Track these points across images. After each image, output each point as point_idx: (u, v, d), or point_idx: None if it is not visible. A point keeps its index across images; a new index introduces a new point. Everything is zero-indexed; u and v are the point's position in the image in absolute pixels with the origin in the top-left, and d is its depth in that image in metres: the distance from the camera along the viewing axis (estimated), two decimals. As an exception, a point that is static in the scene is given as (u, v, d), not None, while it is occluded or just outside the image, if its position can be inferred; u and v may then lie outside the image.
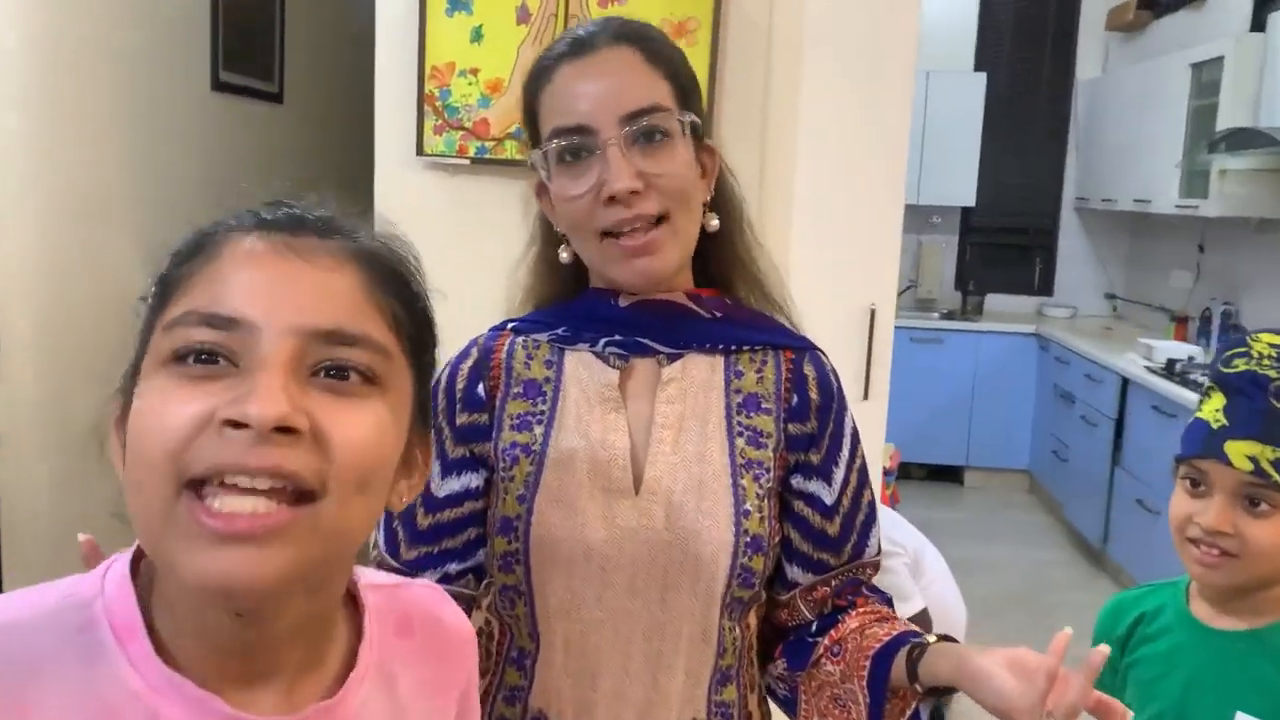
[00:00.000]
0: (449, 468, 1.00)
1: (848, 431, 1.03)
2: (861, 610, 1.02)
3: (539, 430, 0.98)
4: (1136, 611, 1.21)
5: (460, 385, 1.00)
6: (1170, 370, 3.86)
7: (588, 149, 0.92)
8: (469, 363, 1.01)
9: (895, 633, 0.97)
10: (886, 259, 2.53)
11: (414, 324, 0.66)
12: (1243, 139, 3.68)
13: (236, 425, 0.55)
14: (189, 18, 3.29)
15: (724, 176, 1.02)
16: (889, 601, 1.06)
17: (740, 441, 0.98)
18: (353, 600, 0.69)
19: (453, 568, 1.00)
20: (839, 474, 1.01)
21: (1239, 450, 1.07)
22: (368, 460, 0.59)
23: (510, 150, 2.23)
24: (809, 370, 1.02)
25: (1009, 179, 5.73)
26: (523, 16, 2.16)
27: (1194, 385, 3.60)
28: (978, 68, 5.58)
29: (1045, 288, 5.83)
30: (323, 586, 0.62)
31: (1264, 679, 1.08)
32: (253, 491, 0.55)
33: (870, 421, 2.46)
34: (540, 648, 0.97)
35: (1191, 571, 1.14)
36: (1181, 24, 4.78)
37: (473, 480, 1.00)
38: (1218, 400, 1.11)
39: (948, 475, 5.46)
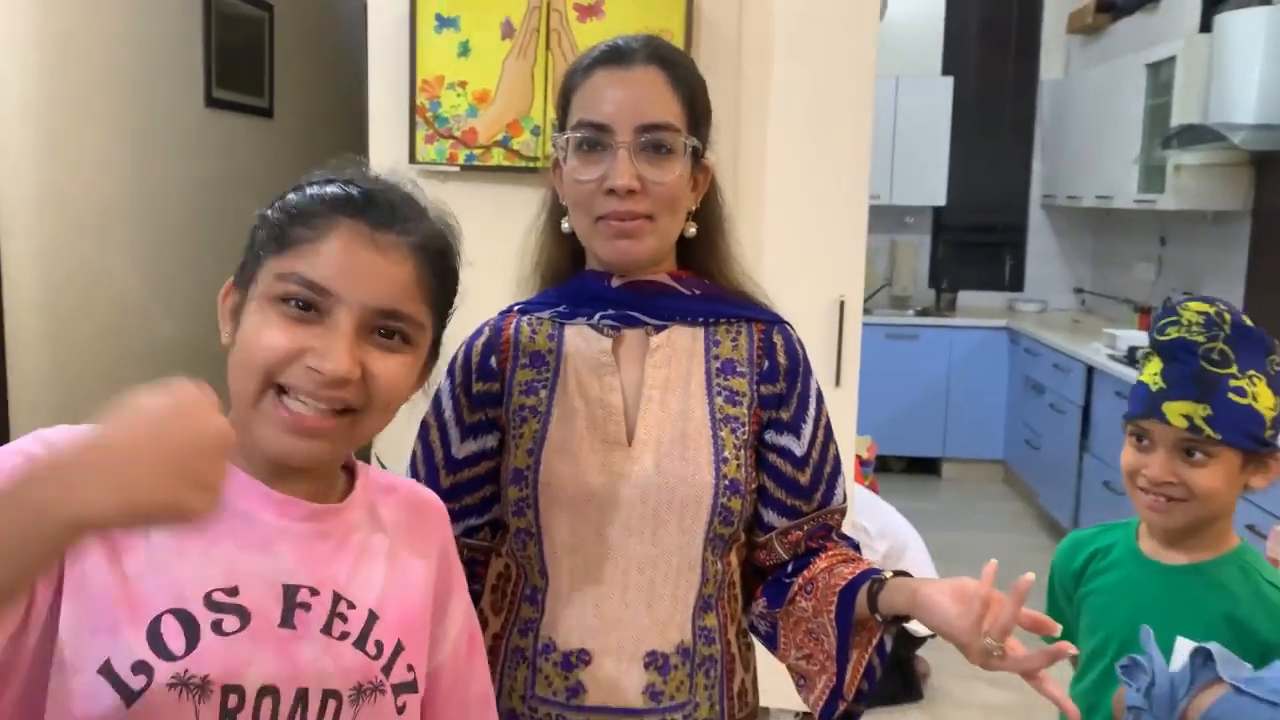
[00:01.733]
0: (467, 431, 1.14)
1: (813, 393, 1.17)
2: (830, 552, 1.16)
3: (544, 394, 1.12)
4: (1091, 548, 1.35)
5: (475, 360, 1.14)
6: (1132, 357, 4.02)
7: (603, 144, 1.06)
8: (482, 340, 1.16)
9: (859, 571, 1.10)
10: (853, 253, 2.68)
11: (445, 293, 0.91)
12: (1193, 135, 3.85)
13: (316, 370, 0.80)
14: (182, 37, 3.42)
15: (712, 192, 1.17)
16: (856, 546, 1.20)
17: (719, 400, 1.12)
18: (349, 471, 0.93)
19: (472, 522, 1.14)
20: (807, 429, 1.15)
21: (1175, 410, 1.21)
22: (395, 393, 0.86)
23: (497, 157, 2.37)
24: (777, 339, 1.16)
25: (978, 179, 5.90)
26: (507, 32, 2.31)
27: (1154, 371, 3.77)
28: (945, 72, 5.76)
29: (1016, 283, 6.01)
30: (343, 458, 0.91)
31: (1203, 608, 1.21)
32: (314, 407, 0.81)
33: (842, 405, 2.61)
34: (549, 582, 1.10)
35: (1143, 516, 1.27)
36: (1137, 26, 4.96)
37: (488, 441, 1.14)
38: (1155, 365, 1.25)
39: (925, 467, 5.61)
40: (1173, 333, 1.24)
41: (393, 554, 0.90)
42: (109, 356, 3.08)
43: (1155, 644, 1.08)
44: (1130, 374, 3.87)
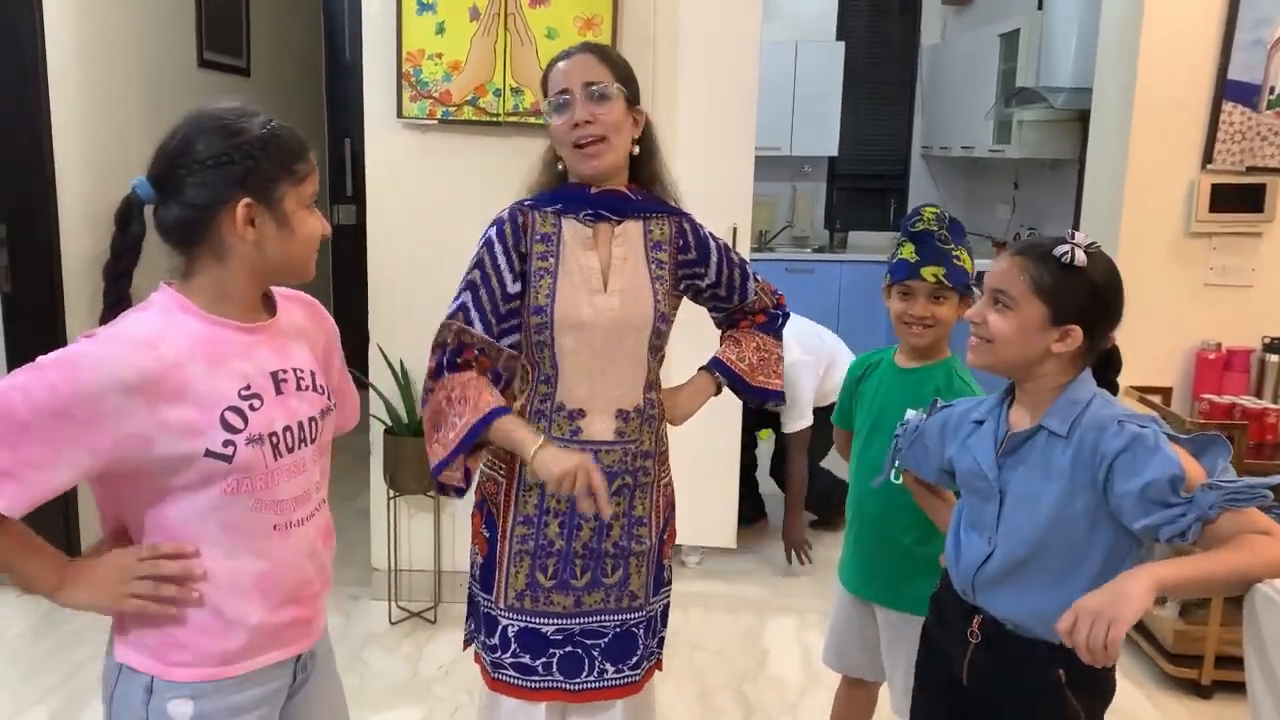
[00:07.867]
0: (516, 276, 1.75)
1: (710, 244, 1.89)
2: (740, 327, 2.00)
3: (552, 261, 1.76)
4: (868, 363, 2.10)
5: (514, 232, 1.76)
6: (978, 281, 4.87)
7: (566, 102, 1.73)
8: (515, 221, 1.78)
9: (713, 355, 1.91)
10: (743, 191, 3.42)
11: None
12: (1026, 96, 4.68)
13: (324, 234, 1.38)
14: (178, 5, 3.97)
15: (649, 129, 1.84)
16: (773, 318, 2.00)
17: (653, 266, 1.82)
18: (268, 299, 1.40)
19: (515, 338, 1.76)
20: (711, 265, 1.88)
21: (929, 271, 1.93)
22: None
23: (467, 113, 3.04)
24: (686, 225, 1.88)
25: (866, 132, 6.71)
26: (474, 15, 2.98)
27: (995, 290, 4.62)
28: (838, 37, 6.52)
29: (899, 224, 6.84)
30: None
31: (924, 391, 1.97)
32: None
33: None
34: (558, 371, 1.79)
35: (910, 342, 1.98)
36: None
37: (520, 284, 1.76)
38: (909, 247, 1.97)
39: (821, 384, 6.44)
40: (919, 226, 1.98)
41: (303, 335, 1.43)
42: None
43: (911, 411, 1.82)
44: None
